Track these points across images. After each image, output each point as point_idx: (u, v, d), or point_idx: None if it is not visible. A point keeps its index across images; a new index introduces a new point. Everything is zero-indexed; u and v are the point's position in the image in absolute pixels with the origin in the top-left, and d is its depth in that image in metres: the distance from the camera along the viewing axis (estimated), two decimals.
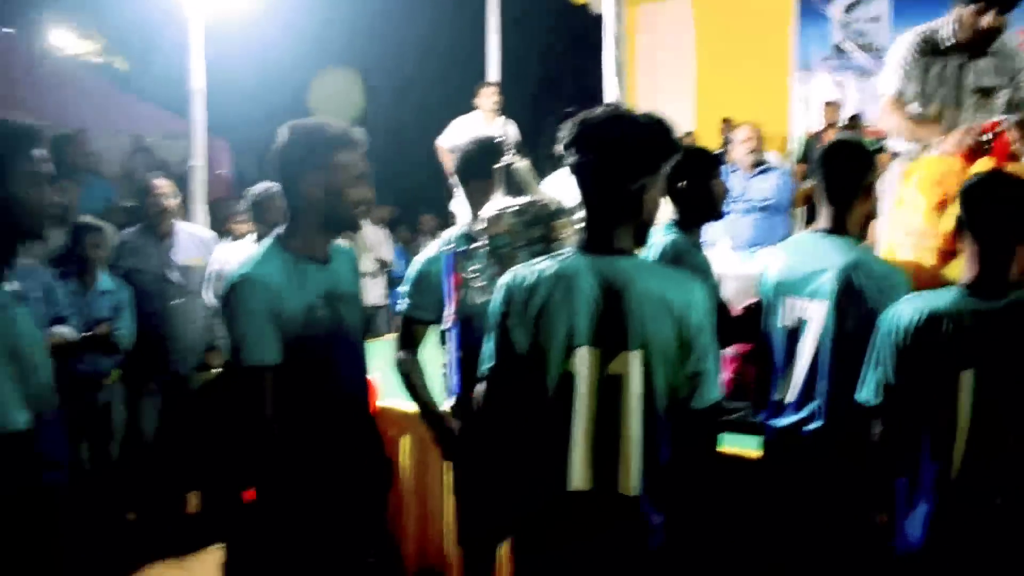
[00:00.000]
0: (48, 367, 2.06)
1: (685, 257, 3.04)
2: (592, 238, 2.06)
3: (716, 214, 3.20)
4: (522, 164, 2.64)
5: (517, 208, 2.53)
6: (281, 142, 2.36)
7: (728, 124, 9.04)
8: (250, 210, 4.18)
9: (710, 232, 4.43)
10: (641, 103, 10.44)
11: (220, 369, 4.38)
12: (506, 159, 2.64)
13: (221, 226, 5.73)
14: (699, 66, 10.24)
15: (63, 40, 14.30)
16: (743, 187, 5.42)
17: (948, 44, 3.77)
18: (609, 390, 1.99)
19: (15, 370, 1.91)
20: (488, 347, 2.12)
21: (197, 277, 4.44)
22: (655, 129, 2.05)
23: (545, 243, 2.47)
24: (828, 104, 8.91)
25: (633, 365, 1.98)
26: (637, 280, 2.01)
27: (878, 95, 3.99)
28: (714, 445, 2.29)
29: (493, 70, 7.58)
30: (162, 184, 4.45)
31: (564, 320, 2.00)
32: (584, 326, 2.00)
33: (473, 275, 2.63)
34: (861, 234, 2.87)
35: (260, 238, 4.08)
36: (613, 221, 2.05)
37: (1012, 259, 2.22)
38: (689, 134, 9.76)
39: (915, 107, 3.84)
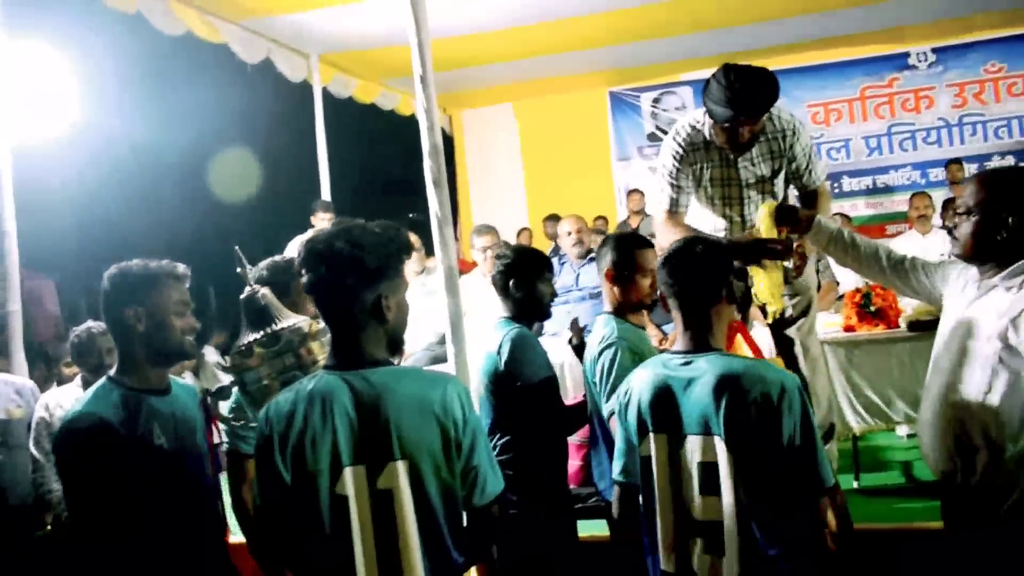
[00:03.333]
0: None
1: (530, 344, 3.16)
2: (341, 354, 2.04)
3: (544, 314, 3.35)
4: (266, 292, 2.52)
5: (264, 338, 2.39)
6: (104, 285, 2.41)
7: (552, 221, 9.43)
8: (73, 352, 4.03)
9: (548, 323, 4.60)
10: (475, 204, 10.77)
11: (49, 527, 4.09)
12: (248, 289, 2.51)
13: (48, 370, 5.45)
14: (526, 164, 10.71)
15: None
16: (574, 277, 5.62)
17: (713, 142, 3.57)
18: (381, 506, 1.95)
19: None
20: (255, 485, 2.05)
21: (19, 429, 4.17)
22: (384, 237, 2.04)
23: (301, 369, 2.36)
24: (631, 192, 9.51)
25: (401, 476, 1.95)
26: (393, 388, 1.99)
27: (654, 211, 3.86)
28: (499, 539, 2.24)
29: (325, 187, 7.64)
30: None
31: (327, 442, 1.96)
32: (346, 445, 1.96)
33: (231, 417, 2.56)
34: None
35: (85, 380, 3.96)
36: (358, 333, 2.03)
37: (709, 322, 2.34)
38: (524, 230, 10.11)
39: (698, 215, 3.79)
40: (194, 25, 5.87)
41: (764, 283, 3.35)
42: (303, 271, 2.04)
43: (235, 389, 2.47)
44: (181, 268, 2.47)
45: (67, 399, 3.97)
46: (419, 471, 1.96)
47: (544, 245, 9.36)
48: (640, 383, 2.38)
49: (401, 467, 1.95)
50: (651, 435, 2.33)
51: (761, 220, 3.25)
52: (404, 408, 1.97)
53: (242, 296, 2.46)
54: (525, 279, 3.26)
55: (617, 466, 2.48)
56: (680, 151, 3.63)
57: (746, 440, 2.18)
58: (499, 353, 3.14)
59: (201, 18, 5.96)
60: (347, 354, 2.03)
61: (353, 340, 2.03)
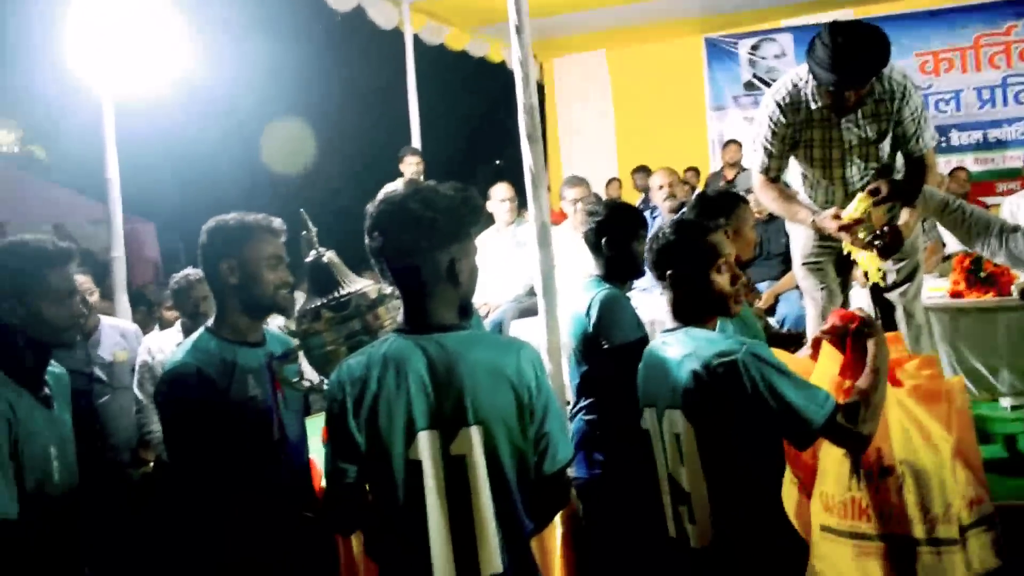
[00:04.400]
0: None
1: (621, 305, 3.10)
2: (413, 318, 2.03)
3: (638, 272, 3.26)
4: (331, 255, 2.43)
5: (333, 302, 2.31)
6: (201, 237, 2.46)
7: (641, 173, 9.25)
8: (171, 298, 4.16)
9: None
10: (564, 154, 10.64)
11: (153, 464, 4.27)
12: (314, 252, 2.42)
13: (149, 313, 5.65)
14: (617, 114, 10.50)
15: None
16: None
17: (816, 104, 3.41)
18: (455, 472, 1.95)
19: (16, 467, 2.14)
20: (327, 451, 2.03)
21: (123, 371, 4.36)
22: (457, 200, 2.01)
23: (368, 335, 2.28)
24: (727, 143, 9.20)
25: (475, 441, 1.94)
26: (466, 354, 1.97)
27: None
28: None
29: (415, 134, 7.66)
30: (82, 280, 4.37)
31: (401, 407, 1.95)
32: (421, 409, 1.95)
33: (296, 380, 2.50)
34: None
35: (184, 325, 4.08)
36: (431, 297, 2.00)
37: (691, 298, 2.39)
38: (613, 180, 9.96)
39: (799, 177, 3.68)
40: None
41: (859, 257, 3.21)
42: (374, 234, 2.02)
43: (300, 353, 2.43)
44: (276, 222, 2.50)
45: (168, 344, 4.11)
46: (493, 437, 1.96)
47: (633, 197, 9.23)
48: (643, 358, 2.49)
49: (475, 432, 1.95)
50: (644, 409, 2.43)
51: (855, 209, 3.12)
52: (478, 373, 1.96)
53: (307, 259, 2.43)
54: (618, 237, 3.19)
55: None
56: (779, 113, 3.47)
57: (703, 412, 2.21)
58: (588, 315, 3.10)
59: None
60: (419, 318, 2.02)
61: (425, 304, 2.01)
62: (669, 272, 2.42)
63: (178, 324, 4.23)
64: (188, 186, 12.22)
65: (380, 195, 2.10)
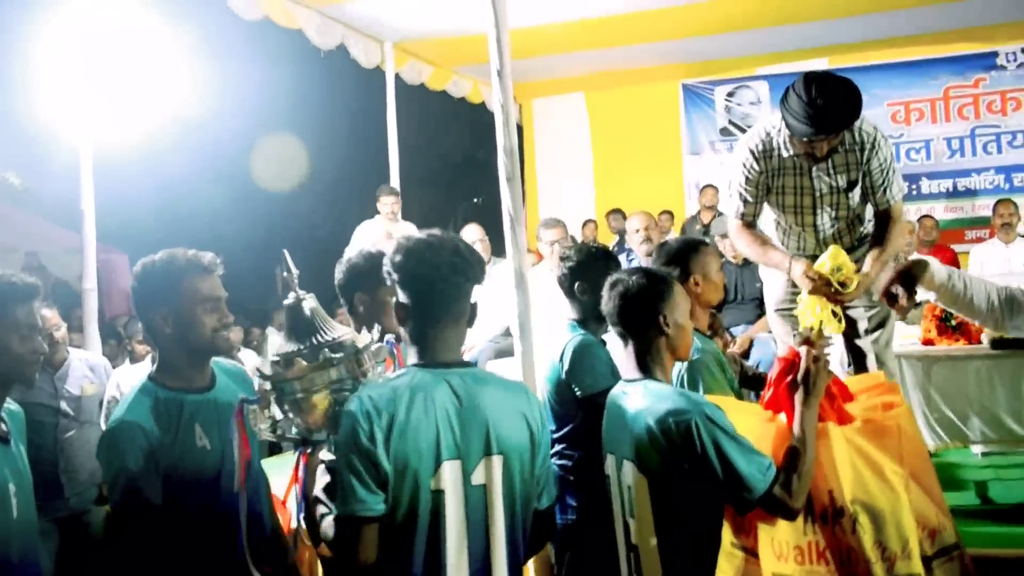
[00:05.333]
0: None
1: (592, 352, 3.09)
2: (430, 353, 2.09)
3: None
4: (312, 302, 2.30)
5: (306, 350, 2.21)
6: (131, 282, 2.40)
7: (617, 216, 9.32)
8: (143, 332, 4.11)
9: None
10: (542, 194, 10.71)
11: None
12: (293, 295, 2.29)
13: (119, 345, 5.59)
14: (595, 155, 10.59)
15: None
16: None
17: (788, 153, 3.45)
18: (475, 501, 2.01)
19: None
20: (347, 480, 1.97)
21: (91, 406, 4.29)
22: (477, 253, 2.14)
23: (353, 380, 2.20)
24: (704, 188, 9.32)
25: (496, 471, 2.02)
26: (485, 388, 2.07)
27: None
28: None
29: (394, 171, 7.68)
30: (48, 315, 4.31)
31: (430, 437, 1.98)
32: (447, 440, 2.00)
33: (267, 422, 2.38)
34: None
35: (154, 360, 4.02)
36: (450, 335, 2.11)
37: (647, 349, 2.45)
38: (589, 222, 10.01)
39: (772, 226, 3.72)
40: (271, 10, 5.93)
41: (810, 305, 3.21)
42: (399, 276, 2.08)
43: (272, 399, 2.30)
44: (208, 258, 2.41)
45: (137, 378, 4.05)
46: (510, 468, 2.05)
47: (609, 239, 9.27)
48: (606, 405, 2.54)
49: (497, 462, 2.03)
50: (606, 455, 2.49)
51: (827, 261, 3.17)
52: (499, 407, 2.06)
53: (286, 302, 2.33)
54: (591, 281, 3.16)
55: None
56: (752, 160, 3.53)
57: (654, 466, 2.26)
58: (561, 361, 3.09)
59: (279, 3, 6.01)
60: (437, 353, 2.09)
61: (444, 341, 2.10)
62: (619, 329, 2.49)
63: (148, 359, 4.18)
64: (164, 216, 12.14)
65: (401, 239, 2.15)
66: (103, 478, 2.44)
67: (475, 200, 17.35)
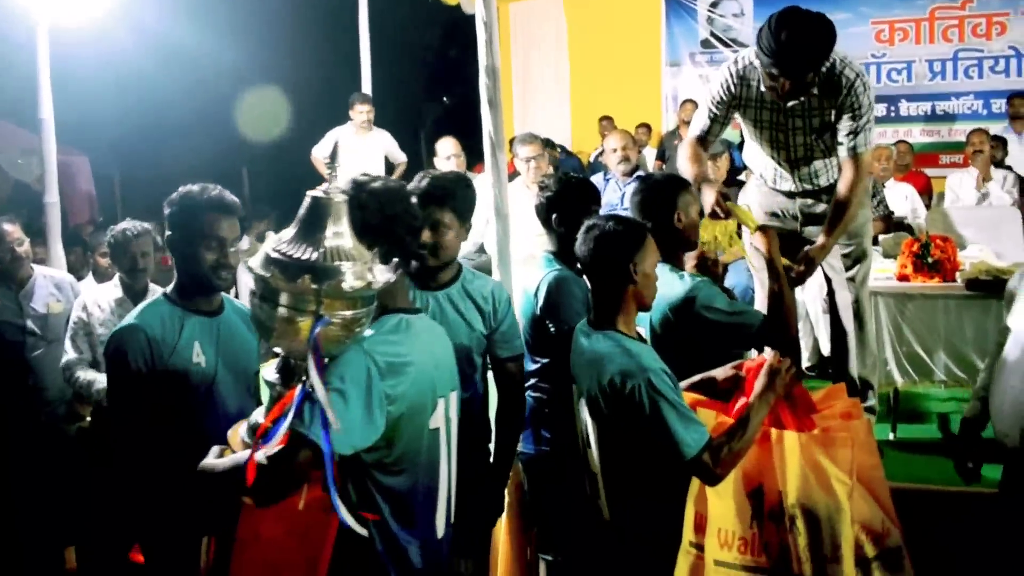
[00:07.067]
0: None
1: (567, 289, 3.05)
2: (404, 298, 2.23)
3: None
4: (340, 199, 1.98)
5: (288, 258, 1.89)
6: (164, 207, 2.56)
7: (607, 123, 9.14)
8: (108, 250, 4.07)
9: None
10: (517, 102, 10.48)
11: (90, 419, 4.15)
12: (322, 187, 1.99)
13: (83, 256, 5.45)
14: (572, 63, 10.37)
15: None
16: (619, 195, 5.48)
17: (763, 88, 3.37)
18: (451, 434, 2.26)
19: None
20: (351, 422, 1.89)
21: (58, 324, 4.20)
22: (399, 193, 2.19)
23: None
24: (684, 103, 9.15)
25: (452, 406, 2.24)
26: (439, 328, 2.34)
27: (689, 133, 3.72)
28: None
29: (366, 79, 7.47)
30: (11, 229, 4.18)
31: (428, 376, 2.11)
32: (444, 377, 2.20)
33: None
34: None
35: (122, 280, 4.00)
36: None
37: (613, 298, 2.57)
38: (551, 145, 9.68)
39: (752, 151, 3.74)
40: None
41: (707, 225, 3.31)
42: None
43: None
44: (228, 199, 2.56)
45: (105, 300, 3.97)
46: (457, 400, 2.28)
47: (587, 146, 9.12)
48: (572, 341, 2.68)
49: (454, 396, 2.25)
50: (573, 387, 2.66)
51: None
52: (449, 345, 2.30)
53: (312, 193, 1.97)
54: (569, 213, 3.10)
55: None
56: (730, 83, 3.48)
57: (601, 416, 2.46)
58: (536, 296, 3.07)
59: None
60: (407, 297, 2.27)
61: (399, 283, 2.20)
62: (589, 278, 2.60)
63: (116, 278, 4.08)
64: (125, 115, 11.74)
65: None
66: (107, 374, 2.56)
67: (444, 99, 16.94)
